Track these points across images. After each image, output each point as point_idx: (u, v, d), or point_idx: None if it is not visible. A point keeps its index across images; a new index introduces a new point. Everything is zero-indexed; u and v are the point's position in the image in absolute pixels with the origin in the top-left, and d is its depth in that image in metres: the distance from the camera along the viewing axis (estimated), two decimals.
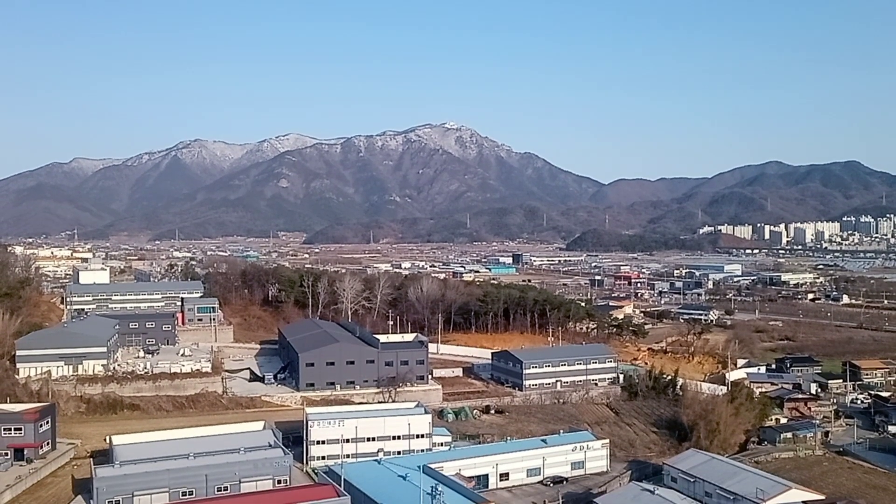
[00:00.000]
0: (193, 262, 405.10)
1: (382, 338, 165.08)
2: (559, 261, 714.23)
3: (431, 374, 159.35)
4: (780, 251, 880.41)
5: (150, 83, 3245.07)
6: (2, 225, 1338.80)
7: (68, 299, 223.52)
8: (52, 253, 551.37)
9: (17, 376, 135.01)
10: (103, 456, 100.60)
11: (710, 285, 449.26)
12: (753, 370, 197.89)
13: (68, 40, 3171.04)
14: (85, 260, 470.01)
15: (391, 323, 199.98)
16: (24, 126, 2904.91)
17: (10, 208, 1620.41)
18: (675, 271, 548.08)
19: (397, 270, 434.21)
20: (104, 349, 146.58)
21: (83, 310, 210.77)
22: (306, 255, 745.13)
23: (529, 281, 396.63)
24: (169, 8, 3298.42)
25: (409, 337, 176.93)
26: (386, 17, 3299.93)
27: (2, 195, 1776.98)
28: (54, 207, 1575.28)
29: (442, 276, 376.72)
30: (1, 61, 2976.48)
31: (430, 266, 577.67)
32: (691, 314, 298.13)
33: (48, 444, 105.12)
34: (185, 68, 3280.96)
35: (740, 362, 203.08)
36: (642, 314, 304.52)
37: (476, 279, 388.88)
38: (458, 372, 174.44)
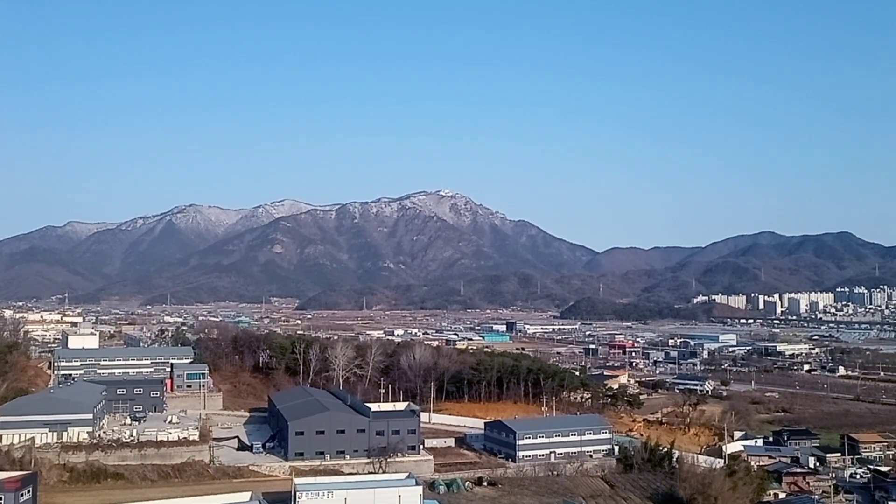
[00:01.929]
0: (184, 328, 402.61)
1: (374, 406, 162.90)
2: (553, 329, 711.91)
3: (423, 444, 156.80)
4: (775, 321, 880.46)
5: (147, 148, 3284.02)
6: None
7: (56, 364, 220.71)
8: (41, 317, 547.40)
9: None
10: None
11: (706, 355, 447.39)
12: (750, 443, 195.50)
13: (65, 105, 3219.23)
14: (75, 324, 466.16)
15: (383, 391, 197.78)
16: (20, 189, 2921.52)
17: (2, 272, 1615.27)
18: (670, 341, 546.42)
19: (390, 337, 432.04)
20: (90, 416, 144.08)
21: (71, 375, 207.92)
22: (299, 322, 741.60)
23: (523, 349, 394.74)
24: (166, 74, 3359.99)
25: (401, 406, 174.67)
26: (380, 88, 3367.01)
27: None
28: (46, 271, 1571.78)
29: (435, 343, 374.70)
30: (7, 129, 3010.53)
31: (423, 333, 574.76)
32: (687, 384, 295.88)
33: None
34: (182, 134, 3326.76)
35: (737, 434, 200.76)
36: (637, 384, 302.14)
37: (469, 347, 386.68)
38: (451, 442, 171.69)
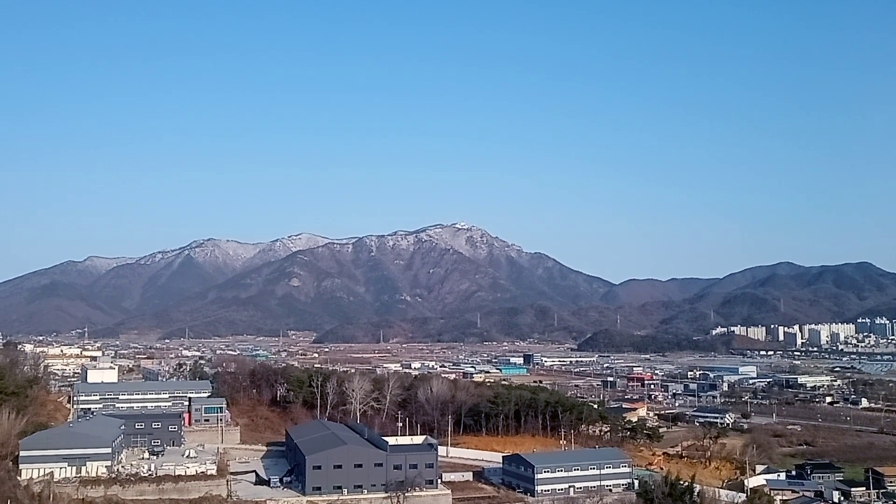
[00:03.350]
0: (202, 362, 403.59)
1: (391, 440, 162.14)
2: (570, 361, 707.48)
3: (441, 478, 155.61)
4: (796, 353, 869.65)
5: (166, 183, 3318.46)
6: (14, 323, 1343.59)
7: (75, 398, 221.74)
8: (61, 351, 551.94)
9: (19, 478, 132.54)
10: None
11: (725, 387, 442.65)
12: (773, 476, 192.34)
13: (85, 141, 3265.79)
14: (94, 358, 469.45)
15: (400, 424, 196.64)
16: (41, 225, 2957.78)
17: (23, 306, 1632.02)
18: (689, 373, 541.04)
19: (407, 370, 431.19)
20: (109, 450, 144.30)
21: (90, 409, 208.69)
22: (316, 355, 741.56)
23: (541, 382, 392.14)
24: (183, 111, 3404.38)
25: (419, 439, 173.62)
26: (396, 122, 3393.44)
27: (15, 293, 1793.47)
28: (66, 305, 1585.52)
29: (452, 376, 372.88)
30: (24, 163, 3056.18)
31: (440, 366, 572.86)
32: (707, 417, 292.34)
33: None
34: (200, 169, 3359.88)
35: (759, 468, 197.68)
36: (656, 417, 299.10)
37: (486, 380, 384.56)
38: (469, 476, 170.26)
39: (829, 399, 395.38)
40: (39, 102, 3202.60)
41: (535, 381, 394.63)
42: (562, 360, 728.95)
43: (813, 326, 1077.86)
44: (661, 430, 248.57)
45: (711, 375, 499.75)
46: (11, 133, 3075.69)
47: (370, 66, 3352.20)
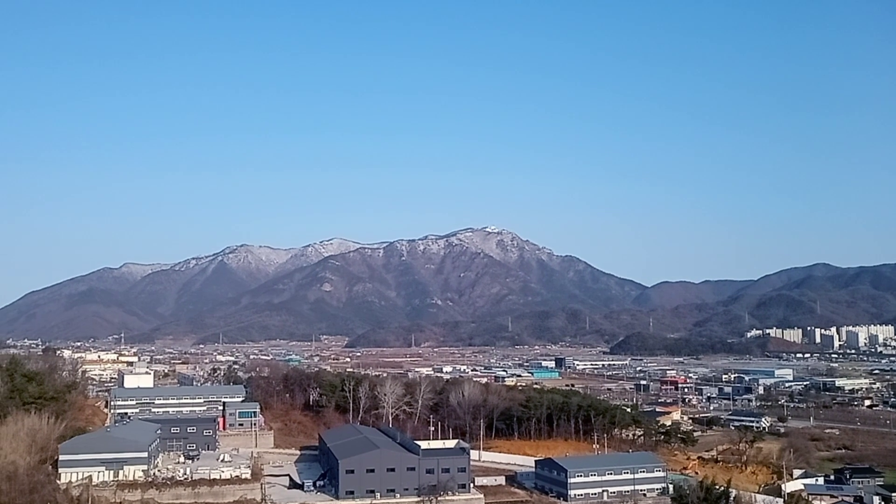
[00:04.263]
0: (236, 366, 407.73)
1: (423, 444, 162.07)
2: (603, 365, 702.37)
3: (473, 482, 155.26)
4: (833, 355, 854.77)
5: (200, 190, 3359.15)
6: (53, 329, 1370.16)
7: (112, 403, 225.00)
8: (98, 357, 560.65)
9: (58, 482, 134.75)
10: None
11: (761, 391, 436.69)
12: (811, 481, 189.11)
13: (119, 150, 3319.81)
14: (130, 364, 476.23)
15: (432, 428, 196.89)
16: (79, 232, 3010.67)
17: (62, 312, 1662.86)
18: (724, 376, 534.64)
19: (438, 374, 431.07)
20: (145, 454, 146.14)
21: (126, 414, 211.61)
22: (348, 359, 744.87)
23: (573, 385, 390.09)
24: (214, 118, 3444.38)
25: (451, 443, 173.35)
26: (427, 126, 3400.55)
27: (55, 299, 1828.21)
28: (103, 312, 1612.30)
29: (483, 380, 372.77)
30: (61, 172, 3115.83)
31: (472, 370, 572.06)
32: (742, 421, 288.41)
33: None
34: (233, 176, 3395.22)
35: (796, 473, 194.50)
36: (690, 420, 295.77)
37: (518, 384, 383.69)
38: (501, 480, 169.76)
39: (867, 402, 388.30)
40: (79, 112, 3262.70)
41: (567, 385, 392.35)
42: (594, 363, 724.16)
43: (850, 328, 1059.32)
44: (695, 434, 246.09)
45: (747, 378, 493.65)
46: (48, 143, 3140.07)
47: (402, 68, 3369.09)
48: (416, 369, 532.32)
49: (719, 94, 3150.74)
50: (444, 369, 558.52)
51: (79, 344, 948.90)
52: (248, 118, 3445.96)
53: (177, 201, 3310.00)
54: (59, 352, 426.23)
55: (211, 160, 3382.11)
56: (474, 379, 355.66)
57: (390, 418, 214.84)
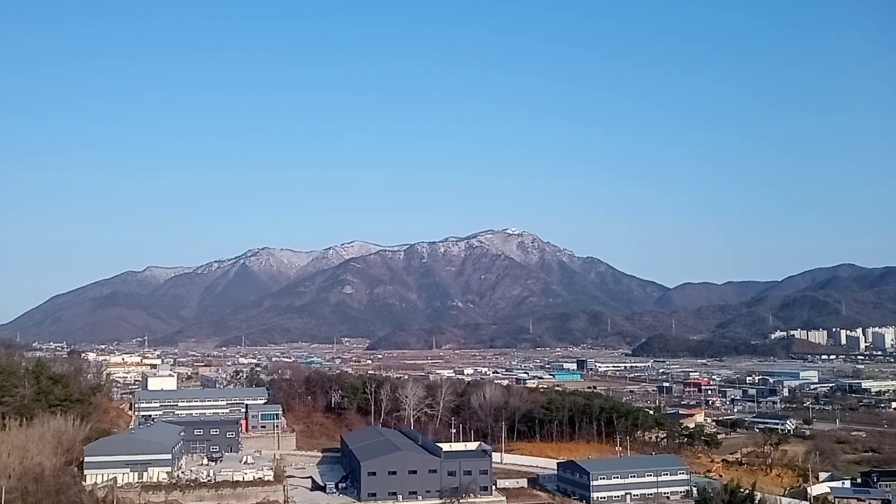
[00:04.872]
0: (258, 369, 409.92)
1: (445, 446, 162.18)
2: (625, 367, 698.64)
3: (495, 484, 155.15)
4: (859, 357, 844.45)
5: (221, 194, 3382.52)
6: (78, 332, 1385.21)
7: (136, 405, 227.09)
8: (122, 359, 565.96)
9: (84, 483, 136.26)
10: None
11: (786, 393, 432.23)
12: (837, 484, 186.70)
13: (142, 155, 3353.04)
14: (154, 366, 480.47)
15: (454, 431, 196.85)
16: (103, 236, 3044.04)
17: (87, 315, 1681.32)
18: (748, 378, 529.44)
19: (460, 377, 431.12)
20: (169, 456, 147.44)
21: (150, 416, 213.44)
22: (369, 361, 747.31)
23: (595, 388, 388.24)
24: (232, 120, 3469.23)
25: (472, 446, 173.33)
26: (446, 128, 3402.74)
27: (79, 303, 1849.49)
28: (127, 315, 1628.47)
29: (505, 382, 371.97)
30: (83, 177, 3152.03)
31: (493, 372, 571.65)
32: (766, 423, 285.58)
33: None
34: (254, 180, 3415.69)
35: (822, 476, 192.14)
36: (714, 423, 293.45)
37: (540, 386, 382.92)
38: (523, 483, 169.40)
39: (895, 404, 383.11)
40: (102, 114, 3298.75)
41: (589, 387, 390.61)
42: (616, 365, 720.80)
43: (877, 329, 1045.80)
44: (719, 436, 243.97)
45: (771, 380, 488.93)
46: (69, 145, 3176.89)
47: (425, 70, 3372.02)
48: (438, 371, 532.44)
49: (742, 96, 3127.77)
50: (466, 371, 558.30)
51: (103, 347, 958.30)
52: (271, 120, 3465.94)
53: (199, 204, 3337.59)
54: (83, 354, 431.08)
55: (233, 163, 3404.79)
56: (495, 381, 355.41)
57: (412, 420, 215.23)
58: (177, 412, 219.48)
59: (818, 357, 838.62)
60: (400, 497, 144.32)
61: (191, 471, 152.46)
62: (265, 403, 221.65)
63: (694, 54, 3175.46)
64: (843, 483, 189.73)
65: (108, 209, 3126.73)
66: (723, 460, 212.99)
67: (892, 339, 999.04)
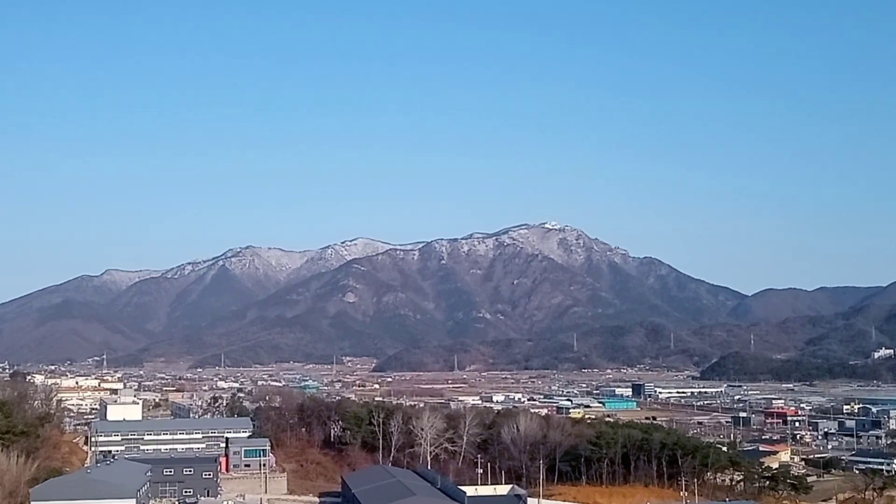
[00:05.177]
0: (241, 395, 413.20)
1: (469, 490, 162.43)
2: (692, 393, 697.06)
3: None
4: None
5: (196, 182, 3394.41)
6: (22, 350, 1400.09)
7: (93, 439, 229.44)
8: (76, 383, 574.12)
9: None
10: None
11: (892, 425, 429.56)
12: None
13: (103, 136, 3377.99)
14: (114, 391, 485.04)
15: (480, 471, 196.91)
16: (52, 235, 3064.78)
17: (33, 329, 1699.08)
18: (845, 407, 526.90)
19: (488, 405, 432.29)
20: (133, 501, 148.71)
21: (110, 452, 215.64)
22: (376, 386, 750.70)
23: (654, 419, 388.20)
24: (213, 95, 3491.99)
25: (504, 489, 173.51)
26: (469, 103, 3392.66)
27: (24, 314, 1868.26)
28: (82, 328, 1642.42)
29: (543, 411, 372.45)
30: (30, 164, 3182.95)
31: (529, 399, 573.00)
32: (868, 463, 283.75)
33: None
34: (236, 165, 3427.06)
35: None
36: (803, 462, 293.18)
37: (586, 416, 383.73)
38: None
39: None
40: (41, 87, 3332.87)
41: (647, 418, 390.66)
42: (681, 391, 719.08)
43: None
44: (809, 479, 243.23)
45: (874, 410, 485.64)
46: (17, 131, 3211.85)
47: (442, 30, 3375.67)
48: (460, 398, 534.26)
49: (843, 85, 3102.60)
50: (495, 398, 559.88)
51: (53, 367, 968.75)
52: (256, 90, 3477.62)
53: (169, 194, 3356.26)
54: (29, 377, 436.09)
55: (211, 143, 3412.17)
56: (532, 410, 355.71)
57: (429, 458, 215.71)
58: (142, 447, 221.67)
59: None
60: None
61: None
62: (250, 437, 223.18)
63: (798, 36, 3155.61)
64: None
65: (59, 201, 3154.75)
66: None
67: None
